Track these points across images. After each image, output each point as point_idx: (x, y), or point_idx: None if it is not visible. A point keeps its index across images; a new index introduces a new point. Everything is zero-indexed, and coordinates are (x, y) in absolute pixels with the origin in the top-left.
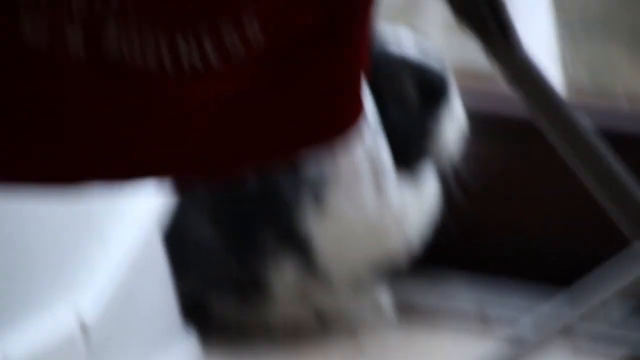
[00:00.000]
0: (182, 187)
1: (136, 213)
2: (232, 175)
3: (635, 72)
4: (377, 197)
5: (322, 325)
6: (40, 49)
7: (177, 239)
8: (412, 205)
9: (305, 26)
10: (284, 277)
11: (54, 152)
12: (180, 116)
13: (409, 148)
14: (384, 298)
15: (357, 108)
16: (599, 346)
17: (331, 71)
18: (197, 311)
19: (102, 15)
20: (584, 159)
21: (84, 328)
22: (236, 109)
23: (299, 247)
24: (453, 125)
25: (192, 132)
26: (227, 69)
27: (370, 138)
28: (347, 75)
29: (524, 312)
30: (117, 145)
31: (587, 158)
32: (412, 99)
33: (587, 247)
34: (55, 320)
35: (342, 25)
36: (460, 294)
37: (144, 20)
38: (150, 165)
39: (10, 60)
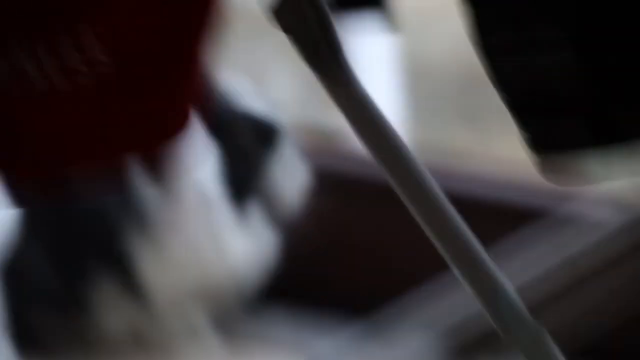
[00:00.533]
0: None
1: None
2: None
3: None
4: (204, 231)
5: (141, 345)
6: None
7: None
8: (240, 245)
9: (141, 46)
10: (104, 298)
11: None
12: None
13: (243, 204)
14: (205, 325)
15: (180, 123)
16: None
17: (162, 87)
18: (17, 327)
19: None
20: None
21: None
22: (69, 112)
23: (122, 269)
24: (287, 175)
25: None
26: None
27: (208, 188)
28: (174, 92)
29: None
30: None
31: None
32: (251, 153)
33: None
34: None
35: (176, 51)
36: (279, 324)
37: None
38: None
39: None
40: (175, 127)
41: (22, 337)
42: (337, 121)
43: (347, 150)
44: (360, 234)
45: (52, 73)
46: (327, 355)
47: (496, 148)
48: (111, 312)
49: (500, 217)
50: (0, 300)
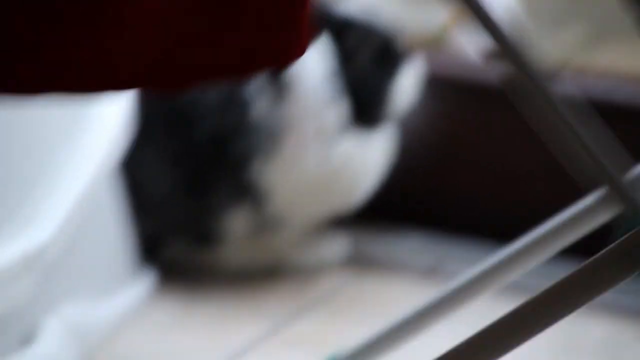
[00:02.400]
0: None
1: (93, 148)
2: (177, 88)
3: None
4: (327, 150)
5: (274, 270)
6: None
7: (135, 179)
8: (363, 157)
9: None
10: (236, 224)
11: (9, 59)
12: (125, 26)
13: (361, 104)
14: (336, 245)
15: (300, 40)
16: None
17: None
18: (152, 252)
19: None
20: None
21: (36, 252)
22: (181, 23)
23: (252, 196)
24: (407, 84)
25: (141, 42)
26: None
27: (321, 92)
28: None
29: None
30: (70, 54)
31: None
32: (367, 56)
33: (535, 207)
34: (8, 248)
35: None
36: (413, 249)
37: None
38: (100, 74)
39: None
40: (296, 41)
41: (155, 263)
42: (443, 23)
43: (455, 54)
44: (475, 140)
45: None
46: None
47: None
48: (244, 240)
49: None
50: (132, 223)
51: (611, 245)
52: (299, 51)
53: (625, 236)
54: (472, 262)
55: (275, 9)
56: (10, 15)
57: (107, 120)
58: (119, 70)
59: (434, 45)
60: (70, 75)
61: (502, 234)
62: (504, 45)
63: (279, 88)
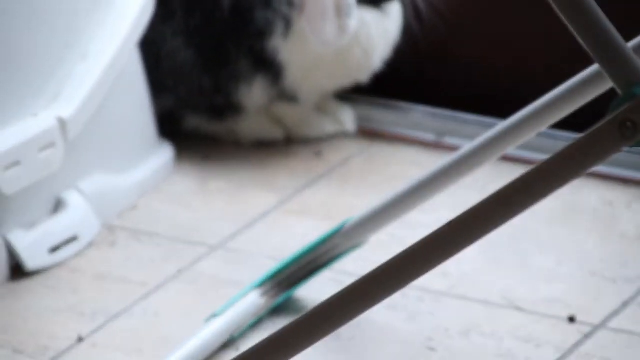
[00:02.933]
0: None
1: (116, 25)
2: None
3: None
4: (340, 21)
5: (288, 140)
6: None
7: (154, 55)
8: (375, 30)
9: None
10: (254, 96)
11: None
12: None
13: None
14: (347, 116)
15: None
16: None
17: None
18: (171, 124)
19: None
20: None
21: (61, 124)
22: None
23: (269, 68)
24: None
25: None
26: None
27: None
28: None
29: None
30: None
31: None
32: None
33: (537, 79)
34: (35, 120)
35: None
36: (418, 121)
37: None
38: None
39: None
40: None
41: (173, 134)
42: None
43: None
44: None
45: None
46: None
47: None
48: (261, 110)
49: None
50: (151, 97)
51: (606, 118)
52: None
53: (620, 109)
54: (475, 134)
55: None
56: None
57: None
58: None
59: None
60: None
61: (504, 107)
62: None
63: None
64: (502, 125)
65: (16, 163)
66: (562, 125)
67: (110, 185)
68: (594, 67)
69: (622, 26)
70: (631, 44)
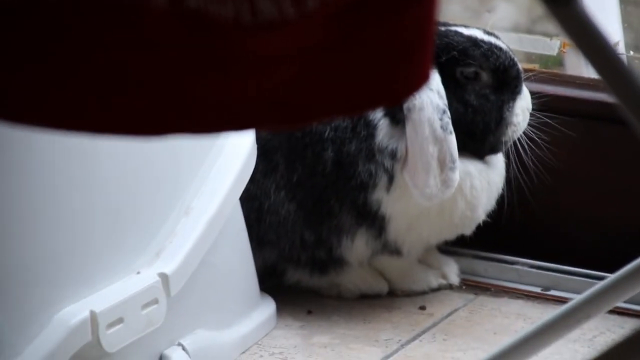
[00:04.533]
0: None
1: (218, 180)
2: (304, 126)
3: None
4: (443, 175)
5: (392, 293)
6: (125, 2)
7: (256, 209)
8: (479, 182)
9: None
10: (357, 249)
11: (136, 103)
12: (257, 68)
13: (480, 130)
14: (451, 269)
15: (422, 73)
16: None
17: (399, 31)
18: (273, 278)
19: None
20: None
21: (164, 280)
22: (309, 62)
23: (372, 221)
24: (522, 108)
25: (267, 84)
26: (302, 22)
27: (439, 118)
28: (414, 37)
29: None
30: (199, 97)
31: None
32: (485, 81)
33: None
34: (138, 277)
35: None
36: (523, 273)
37: None
38: (229, 115)
39: (95, 11)
40: (418, 74)
41: (276, 288)
42: (556, 46)
43: (568, 75)
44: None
45: (284, 5)
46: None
47: None
48: (364, 263)
49: None
50: (254, 252)
51: None
52: (422, 81)
53: None
54: (580, 288)
55: (400, 46)
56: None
57: (231, 153)
58: (241, 112)
59: (549, 68)
60: (196, 118)
61: (611, 261)
62: (611, 76)
63: (400, 115)
64: (610, 278)
65: (119, 320)
66: None
67: (213, 341)
68: None
69: None
70: None
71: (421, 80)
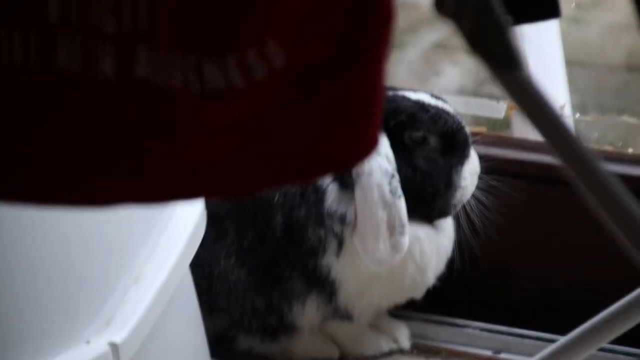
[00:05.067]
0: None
1: (168, 248)
2: (254, 195)
3: None
4: (393, 239)
5: (343, 357)
6: (72, 71)
7: (206, 276)
8: (429, 246)
9: (324, 52)
10: (308, 315)
11: (85, 173)
12: (206, 136)
13: (428, 194)
14: (402, 333)
15: (371, 139)
16: None
17: (346, 99)
18: (224, 345)
19: (133, 39)
20: (591, 183)
21: (115, 350)
22: (258, 131)
23: (322, 286)
24: (471, 172)
25: (217, 152)
26: (250, 91)
27: (388, 183)
28: (362, 104)
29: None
30: (148, 166)
31: (594, 182)
32: (433, 145)
33: (599, 297)
34: (89, 347)
35: (359, 56)
36: (474, 336)
37: (173, 45)
38: (178, 184)
39: (42, 83)
40: (367, 140)
41: (226, 354)
42: (503, 109)
43: (515, 138)
44: (534, 221)
45: (232, 75)
46: None
47: None
48: (315, 328)
49: None
50: (203, 317)
51: None
52: (371, 147)
53: None
54: (532, 350)
55: (348, 113)
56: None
57: (181, 220)
58: (191, 181)
59: (496, 130)
60: (144, 187)
61: (563, 322)
62: (556, 140)
63: (348, 180)
64: (562, 340)
65: None
66: (623, 339)
67: None
68: None
69: None
70: None
71: (370, 146)
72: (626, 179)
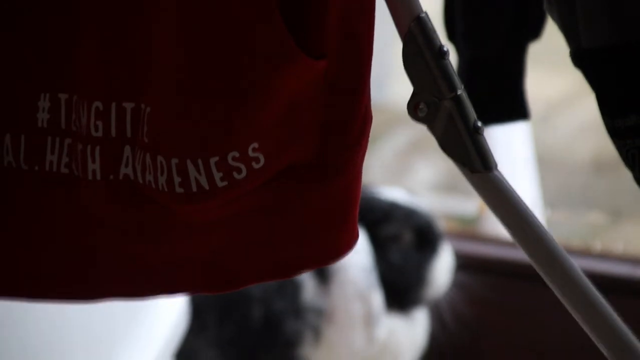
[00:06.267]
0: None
1: (150, 340)
2: (233, 290)
3: (612, 234)
4: (368, 331)
5: None
6: (60, 172)
7: None
8: (403, 338)
9: (303, 156)
10: None
11: (71, 270)
12: (188, 235)
13: (403, 288)
14: None
15: (349, 236)
16: None
17: (325, 198)
18: None
19: (119, 142)
20: (560, 280)
21: None
22: (239, 229)
23: (287, 357)
24: (444, 267)
25: (198, 250)
26: (232, 192)
27: (363, 276)
28: (340, 203)
29: None
30: (132, 264)
31: (563, 278)
32: (407, 240)
33: None
34: None
35: (336, 159)
36: None
37: (157, 148)
38: (162, 282)
39: (30, 183)
40: (344, 238)
41: None
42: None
43: (486, 234)
44: (505, 315)
45: (215, 177)
46: None
47: (627, 231)
48: None
49: (634, 292)
50: None
51: None
52: (350, 245)
53: None
54: None
55: (327, 213)
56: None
57: (162, 312)
58: (172, 278)
59: (467, 228)
60: (128, 285)
61: None
62: (526, 238)
63: (325, 273)
64: None
65: None
66: None
67: None
68: None
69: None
70: None
71: (350, 243)
72: (594, 274)
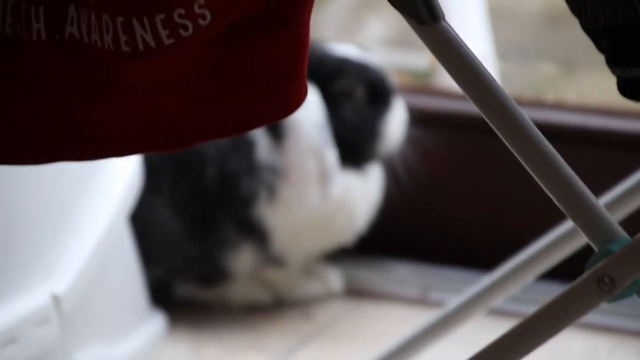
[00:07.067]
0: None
1: (105, 200)
2: (188, 148)
3: (564, 85)
4: (323, 188)
5: (277, 303)
6: (5, 33)
7: (142, 226)
8: (358, 194)
9: (249, 8)
10: (242, 262)
11: (22, 132)
12: (138, 94)
13: (356, 143)
14: (334, 277)
15: (300, 91)
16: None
17: (273, 52)
18: (162, 293)
19: (64, 2)
20: (511, 131)
21: (56, 300)
22: (189, 87)
23: (256, 234)
24: (397, 121)
25: (149, 109)
26: (179, 49)
27: (317, 133)
28: (289, 57)
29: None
30: (82, 124)
31: (514, 129)
32: (360, 96)
33: (519, 234)
34: (30, 297)
35: (285, 10)
36: (403, 279)
37: (102, 6)
38: (111, 142)
39: None
40: (295, 92)
41: (165, 303)
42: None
43: (439, 88)
44: (459, 168)
45: (161, 34)
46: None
47: (580, 81)
48: (249, 275)
49: (586, 142)
50: (142, 267)
51: (584, 274)
52: (300, 100)
53: (597, 265)
54: (459, 288)
55: (276, 67)
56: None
57: (117, 172)
58: (124, 138)
59: (420, 82)
60: (79, 146)
61: (487, 261)
62: (477, 89)
63: (279, 131)
64: (486, 279)
65: (12, 341)
66: (552, 274)
67: (105, 357)
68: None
69: (591, 182)
70: (603, 201)
71: (299, 98)
72: (547, 124)
